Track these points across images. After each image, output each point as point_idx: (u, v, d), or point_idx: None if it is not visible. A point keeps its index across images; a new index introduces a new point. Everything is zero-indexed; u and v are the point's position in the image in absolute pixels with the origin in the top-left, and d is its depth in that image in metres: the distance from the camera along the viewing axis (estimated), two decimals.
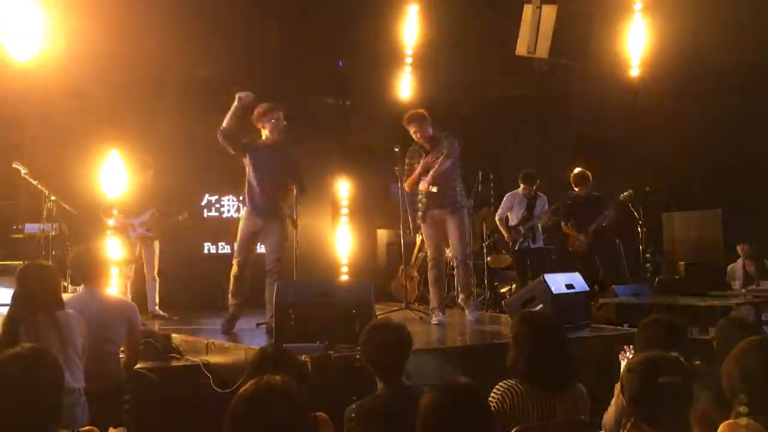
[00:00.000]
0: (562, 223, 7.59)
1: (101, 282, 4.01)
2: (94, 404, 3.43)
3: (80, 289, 5.24)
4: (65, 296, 3.90)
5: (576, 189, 7.52)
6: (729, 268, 7.59)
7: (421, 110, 5.87)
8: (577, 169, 7.55)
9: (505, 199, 7.66)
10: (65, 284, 5.42)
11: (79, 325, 3.49)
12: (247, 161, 5.44)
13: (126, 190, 6.53)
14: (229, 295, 5.61)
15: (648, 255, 7.80)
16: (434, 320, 5.83)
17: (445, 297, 6.29)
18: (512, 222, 7.60)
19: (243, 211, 5.62)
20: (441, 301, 5.96)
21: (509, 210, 7.60)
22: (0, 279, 6.07)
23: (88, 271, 3.95)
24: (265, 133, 5.38)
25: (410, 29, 8.24)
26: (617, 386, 2.76)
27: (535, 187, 7.54)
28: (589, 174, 7.47)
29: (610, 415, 3.00)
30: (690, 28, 7.18)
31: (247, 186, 5.46)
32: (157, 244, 6.68)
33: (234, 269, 5.52)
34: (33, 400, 2.12)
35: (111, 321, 3.88)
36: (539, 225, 7.53)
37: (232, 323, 5.54)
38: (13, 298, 3.41)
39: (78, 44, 6.48)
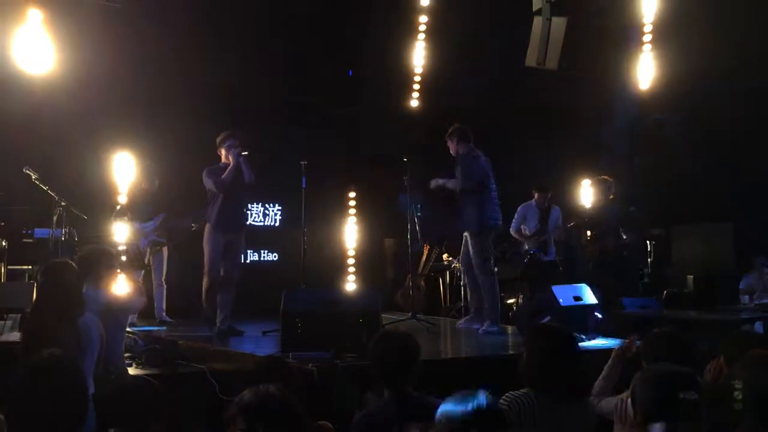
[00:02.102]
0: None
1: (105, 284, 3.97)
2: (99, 407, 3.43)
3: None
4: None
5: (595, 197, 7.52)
6: (743, 280, 7.54)
7: (454, 126, 6.25)
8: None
9: (518, 210, 7.60)
10: None
11: (99, 330, 3.47)
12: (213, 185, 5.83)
13: (136, 196, 6.56)
14: (219, 311, 5.81)
15: (642, 272, 7.71)
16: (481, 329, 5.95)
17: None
18: (526, 233, 7.55)
19: (207, 230, 5.89)
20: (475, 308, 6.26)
21: (523, 221, 7.55)
22: (11, 283, 6.10)
23: (93, 272, 3.89)
24: (224, 155, 5.89)
25: (419, 39, 8.27)
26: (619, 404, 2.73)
27: (548, 197, 7.49)
28: (605, 179, 7.36)
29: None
30: (699, 42, 7.18)
31: (213, 206, 5.82)
32: (165, 251, 6.70)
33: (208, 285, 5.80)
34: (58, 409, 2.12)
35: (116, 323, 3.88)
36: (552, 238, 7.46)
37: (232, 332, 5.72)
38: (37, 296, 3.38)
39: (88, 51, 6.53)
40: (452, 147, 6.22)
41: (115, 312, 3.92)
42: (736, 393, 2.29)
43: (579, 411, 2.83)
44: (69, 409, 2.14)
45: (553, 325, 3.27)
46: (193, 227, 6.75)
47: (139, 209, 6.49)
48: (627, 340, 3.40)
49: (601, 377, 3.30)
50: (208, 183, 5.87)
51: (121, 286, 4.13)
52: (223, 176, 5.78)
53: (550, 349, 2.82)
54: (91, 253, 4.04)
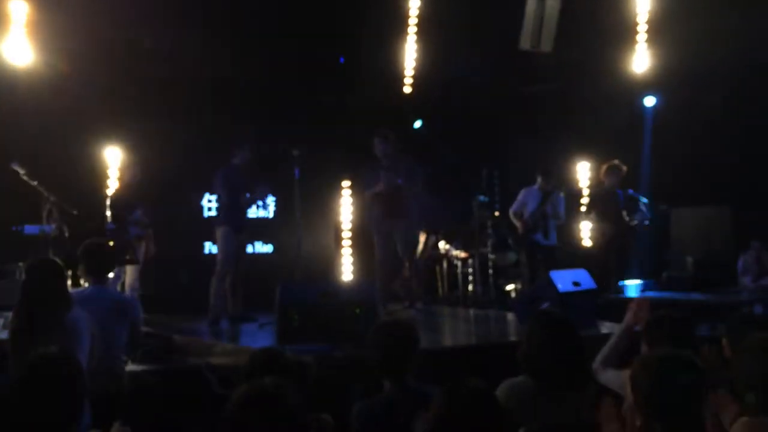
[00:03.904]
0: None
1: (106, 279, 3.99)
2: (96, 406, 3.39)
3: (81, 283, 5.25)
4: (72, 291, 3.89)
5: (604, 181, 7.56)
6: (740, 263, 7.53)
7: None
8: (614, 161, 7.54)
9: (520, 194, 7.54)
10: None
11: (88, 325, 3.44)
12: (225, 188, 6.13)
13: (118, 189, 6.50)
14: (230, 301, 6.06)
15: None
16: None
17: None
18: (525, 216, 7.50)
19: (223, 230, 6.12)
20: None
21: (523, 206, 7.51)
22: (1, 281, 6.04)
23: (97, 268, 3.89)
24: (238, 158, 6.21)
25: (412, 24, 8.16)
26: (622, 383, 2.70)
27: (551, 184, 7.44)
28: (617, 166, 7.42)
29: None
30: (697, 23, 7.09)
31: (228, 207, 6.13)
32: (143, 245, 6.57)
33: (229, 280, 6.05)
34: (56, 405, 2.11)
35: (117, 322, 3.84)
36: (552, 221, 7.39)
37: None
38: (22, 294, 3.35)
39: (77, 44, 6.45)
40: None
41: (116, 310, 3.87)
42: (739, 376, 2.28)
43: (580, 398, 2.79)
44: (64, 406, 2.13)
45: (553, 312, 3.23)
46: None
47: (122, 202, 6.41)
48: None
49: (607, 345, 3.25)
50: (218, 189, 6.15)
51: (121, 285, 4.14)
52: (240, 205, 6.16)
53: (549, 337, 2.79)
54: (94, 248, 4.01)
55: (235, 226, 6.14)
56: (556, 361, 2.73)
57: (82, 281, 5.72)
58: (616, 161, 7.48)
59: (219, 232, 6.17)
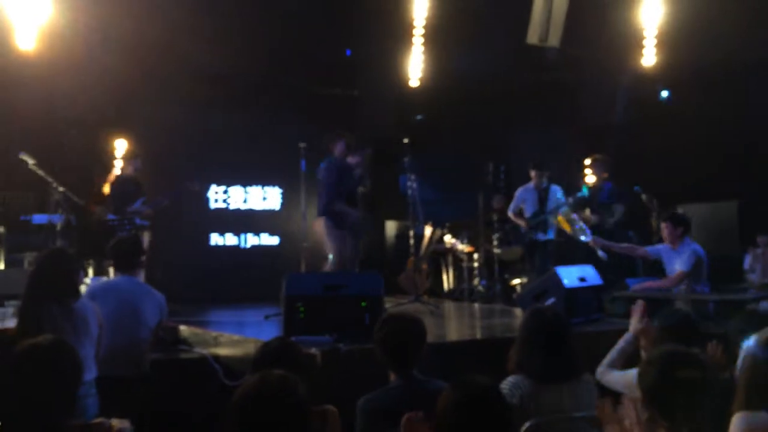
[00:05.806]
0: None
1: (138, 271, 4.15)
2: (118, 390, 3.44)
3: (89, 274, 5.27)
4: (104, 279, 3.96)
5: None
6: (747, 259, 7.50)
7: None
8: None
9: (516, 194, 7.52)
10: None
11: (95, 315, 3.48)
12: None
13: (120, 180, 6.52)
14: None
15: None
16: None
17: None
18: (526, 215, 7.48)
19: (333, 229, 6.21)
20: None
21: (522, 203, 7.48)
22: (11, 269, 6.08)
23: (129, 260, 4.06)
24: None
25: (419, 17, 8.13)
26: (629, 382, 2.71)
27: (545, 177, 7.41)
28: (596, 159, 7.44)
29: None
30: (705, 16, 7.05)
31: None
32: (147, 235, 6.58)
33: None
34: (48, 393, 2.14)
35: (148, 308, 3.96)
36: (551, 219, 7.39)
37: None
38: (30, 282, 3.39)
39: (85, 34, 6.46)
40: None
41: (148, 298, 3.99)
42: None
43: (579, 390, 2.81)
44: (56, 393, 2.15)
45: (544, 308, 3.26)
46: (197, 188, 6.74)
47: (122, 193, 6.42)
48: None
49: (614, 349, 3.27)
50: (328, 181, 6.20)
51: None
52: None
53: (536, 333, 2.84)
54: (126, 242, 4.21)
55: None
56: (547, 358, 2.77)
57: (89, 271, 5.78)
58: (596, 156, 7.50)
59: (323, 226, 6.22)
